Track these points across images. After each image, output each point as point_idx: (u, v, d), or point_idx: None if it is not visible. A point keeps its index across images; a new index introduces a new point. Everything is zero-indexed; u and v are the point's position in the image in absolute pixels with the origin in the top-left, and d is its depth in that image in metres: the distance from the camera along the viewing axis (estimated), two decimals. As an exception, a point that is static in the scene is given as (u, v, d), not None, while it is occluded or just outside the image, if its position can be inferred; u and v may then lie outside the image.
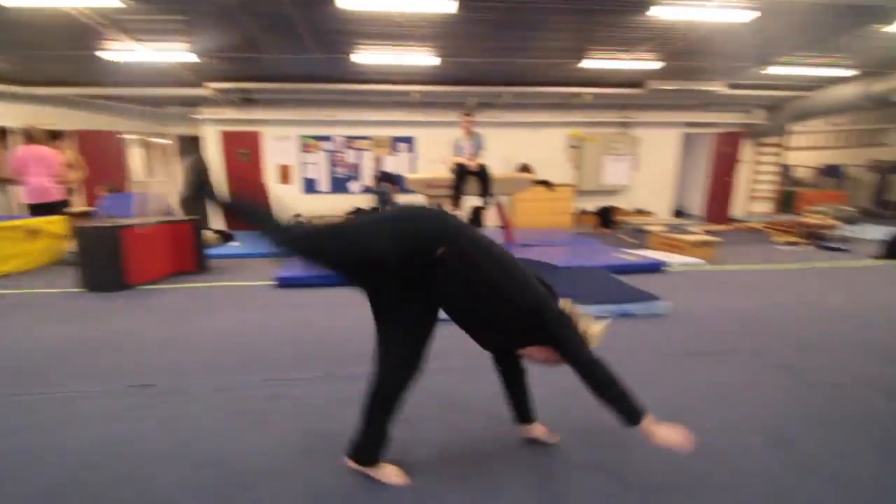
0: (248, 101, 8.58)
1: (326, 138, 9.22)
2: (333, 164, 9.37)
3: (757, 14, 4.90)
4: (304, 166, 9.32)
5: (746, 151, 10.20)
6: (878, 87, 7.14)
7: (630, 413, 1.30)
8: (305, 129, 9.09)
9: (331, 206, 9.16)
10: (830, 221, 6.69)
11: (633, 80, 8.19)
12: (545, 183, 9.50)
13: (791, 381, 2.33)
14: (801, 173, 12.27)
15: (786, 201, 10.39)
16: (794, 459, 1.70)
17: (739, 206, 10.42)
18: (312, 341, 2.90)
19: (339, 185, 9.48)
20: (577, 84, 8.31)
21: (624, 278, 4.26)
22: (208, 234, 5.66)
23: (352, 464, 1.58)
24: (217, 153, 8.92)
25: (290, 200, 9.07)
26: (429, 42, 6.04)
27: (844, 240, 6.74)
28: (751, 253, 6.05)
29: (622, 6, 4.96)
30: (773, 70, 7.43)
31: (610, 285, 3.61)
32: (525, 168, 9.65)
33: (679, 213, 11.74)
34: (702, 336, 2.94)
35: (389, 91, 8.15)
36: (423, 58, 6.51)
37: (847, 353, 2.68)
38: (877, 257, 5.61)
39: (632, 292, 3.42)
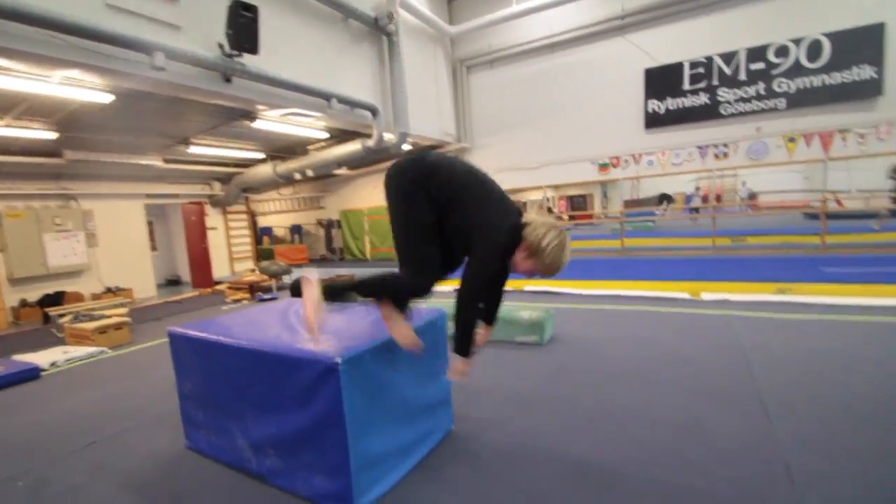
0: None
1: None
2: None
3: (112, 97, 5.13)
4: None
5: (218, 219, 11.10)
6: (282, 167, 9.28)
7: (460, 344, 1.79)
8: None
9: None
10: (263, 277, 8.03)
11: (49, 150, 7.19)
12: (-59, 277, 6.89)
13: None
14: (279, 233, 14.67)
15: (266, 258, 12.02)
16: None
17: (224, 267, 11.17)
18: None
19: None
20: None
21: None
22: None
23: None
24: None
25: None
26: None
27: (281, 288, 8.23)
28: (194, 318, 6.29)
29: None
30: (198, 150, 8.30)
31: None
32: None
33: (173, 283, 11.45)
34: None
35: None
36: None
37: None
38: (291, 295, 7.05)
39: None
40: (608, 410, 2.58)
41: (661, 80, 7.95)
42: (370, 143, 7.77)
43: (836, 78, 6.69)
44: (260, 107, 6.24)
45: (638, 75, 8.18)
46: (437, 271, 1.78)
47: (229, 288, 8.43)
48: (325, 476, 1.84)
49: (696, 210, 17.35)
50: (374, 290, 1.90)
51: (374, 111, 7.30)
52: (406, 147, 9.51)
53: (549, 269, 1.70)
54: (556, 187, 25.43)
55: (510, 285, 6.43)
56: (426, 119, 8.96)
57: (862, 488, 1.77)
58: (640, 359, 3.37)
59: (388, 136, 7.82)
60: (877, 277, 4.93)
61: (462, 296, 1.70)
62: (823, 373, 2.87)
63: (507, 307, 4.06)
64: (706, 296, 5.15)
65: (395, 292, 1.86)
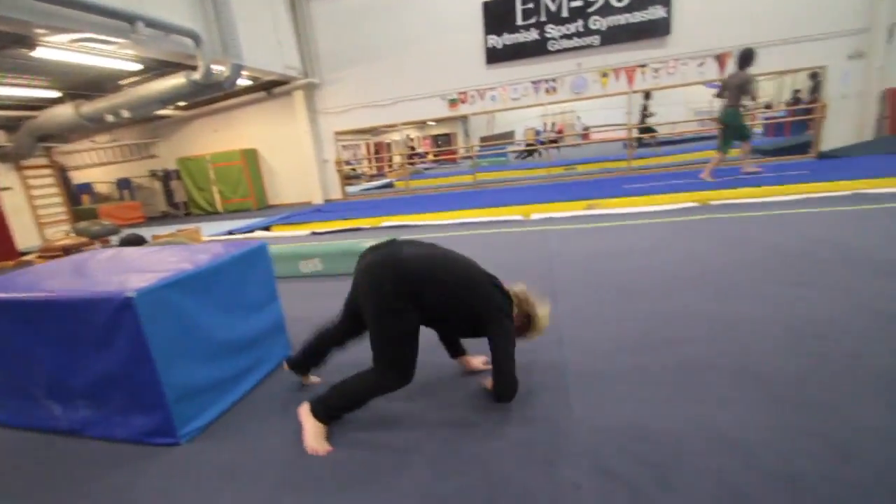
0: None
1: None
2: None
3: None
4: None
5: (11, 177, 9.06)
6: (87, 108, 7.80)
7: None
8: None
9: None
10: (82, 239, 6.94)
11: None
12: None
13: None
14: (103, 189, 12.54)
15: (88, 219, 10.25)
16: None
17: (31, 235, 9.32)
18: None
19: None
20: None
21: None
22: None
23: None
24: None
25: None
26: None
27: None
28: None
29: None
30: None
31: None
32: None
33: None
34: None
35: None
36: None
37: None
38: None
39: None
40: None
41: (498, 16, 8.28)
42: (196, 76, 6.89)
43: (637, 17, 7.67)
44: (39, 31, 5.12)
45: (477, 9, 8.38)
46: (413, 371, 1.74)
47: (39, 257, 7.13)
48: (142, 414, 1.83)
49: (543, 143, 19.03)
50: (352, 405, 1.77)
51: (195, 38, 6.43)
52: (244, 82, 8.67)
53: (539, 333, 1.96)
54: (421, 126, 25.59)
55: (367, 223, 6.51)
56: (264, 50, 8.18)
57: (609, 341, 2.34)
58: (471, 273, 3.80)
59: (219, 69, 7.03)
60: (658, 189, 6.11)
61: (508, 370, 1.75)
62: (605, 265, 3.57)
63: (351, 242, 4.19)
64: (535, 216, 5.87)
65: (367, 399, 1.77)
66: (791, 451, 1.45)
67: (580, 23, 7.87)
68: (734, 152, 6.67)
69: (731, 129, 6.21)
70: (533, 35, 8.18)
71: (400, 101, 9.49)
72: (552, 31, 8.05)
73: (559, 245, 4.34)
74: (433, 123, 25.00)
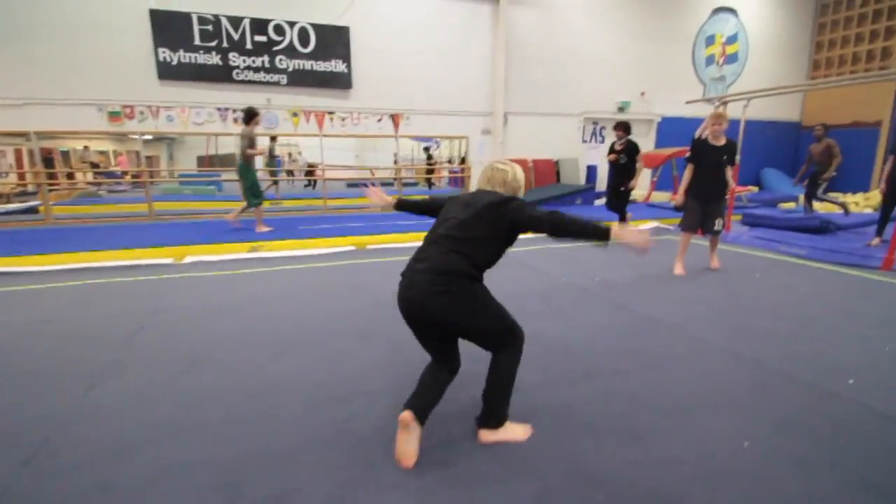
0: None
1: None
2: None
3: None
4: None
5: None
6: None
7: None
8: None
9: None
10: None
11: None
12: None
13: None
14: None
15: None
16: None
17: None
18: None
19: None
20: None
21: None
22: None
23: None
24: None
25: None
26: None
27: None
28: None
29: None
30: None
31: None
32: None
33: None
34: None
35: None
36: None
37: None
38: None
39: None
40: None
41: (170, 28, 7.37)
42: None
43: (322, 66, 8.02)
44: None
45: (143, 16, 7.25)
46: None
47: None
48: None
49: (291, 172, 17.68)
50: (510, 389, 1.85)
51: None
52: None
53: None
54: (122, 140, 20.87)
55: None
56: None
57: (127, 435, 1.94)
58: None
59: None
60: (327, 232, 6.29)
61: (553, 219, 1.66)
62: (209, 323, 3.23)
63: None
64: (189, 258, 5.17)
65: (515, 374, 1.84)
66: None
67: (266, 58, 7.71)
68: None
69: (245, 181, 6.00)
70: (215, 59, 7.55)
71: (33, 104, 7.28)
72: (236, 59, 7.62)
73: (178, 298, 3.79)
74: (138, 137, 20.85)
